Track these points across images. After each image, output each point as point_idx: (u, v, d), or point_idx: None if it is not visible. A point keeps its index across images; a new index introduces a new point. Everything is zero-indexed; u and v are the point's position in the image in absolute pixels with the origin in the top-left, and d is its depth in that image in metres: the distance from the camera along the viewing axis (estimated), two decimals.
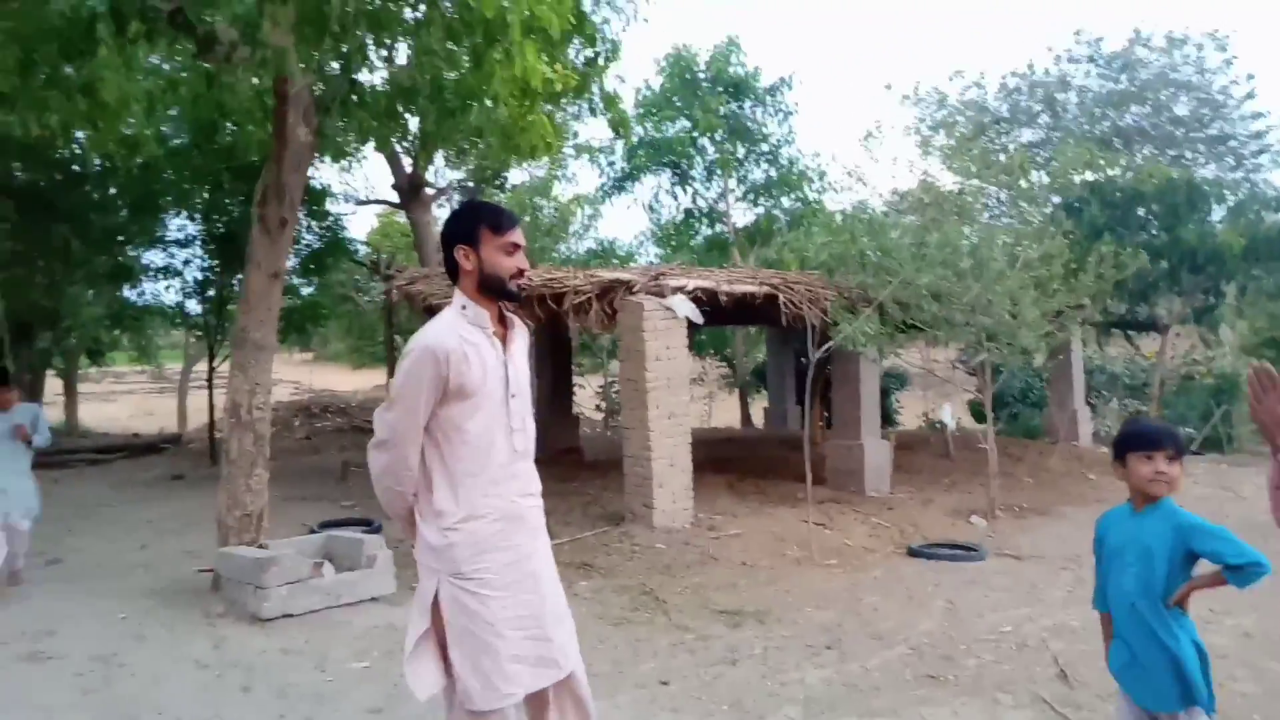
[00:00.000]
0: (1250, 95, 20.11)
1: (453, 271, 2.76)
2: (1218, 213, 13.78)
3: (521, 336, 2.85)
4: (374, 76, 7.97)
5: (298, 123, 6.02)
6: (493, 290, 2.71)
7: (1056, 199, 14.18)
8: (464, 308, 2.71)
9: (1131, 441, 2.86)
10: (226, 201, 13.11)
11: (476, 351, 2.66)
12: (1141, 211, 13.08)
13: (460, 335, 2.65)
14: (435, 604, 2.66)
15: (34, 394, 17.83)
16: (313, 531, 7.65)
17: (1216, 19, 33.99)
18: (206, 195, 13.27)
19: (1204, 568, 2.75)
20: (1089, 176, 13.90)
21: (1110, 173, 13.92)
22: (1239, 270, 12.78)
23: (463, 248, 2.70)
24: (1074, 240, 10.66)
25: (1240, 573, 2.63)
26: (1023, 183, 13.06)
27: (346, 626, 5.72)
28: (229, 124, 10.81)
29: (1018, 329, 9.12)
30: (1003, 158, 14.76)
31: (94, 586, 6.76)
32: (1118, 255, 9.72)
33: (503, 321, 2.79)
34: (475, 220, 2.73)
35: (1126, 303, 13.64)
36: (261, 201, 6.32)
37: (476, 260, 2.69)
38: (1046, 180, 15.96)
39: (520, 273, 2.73)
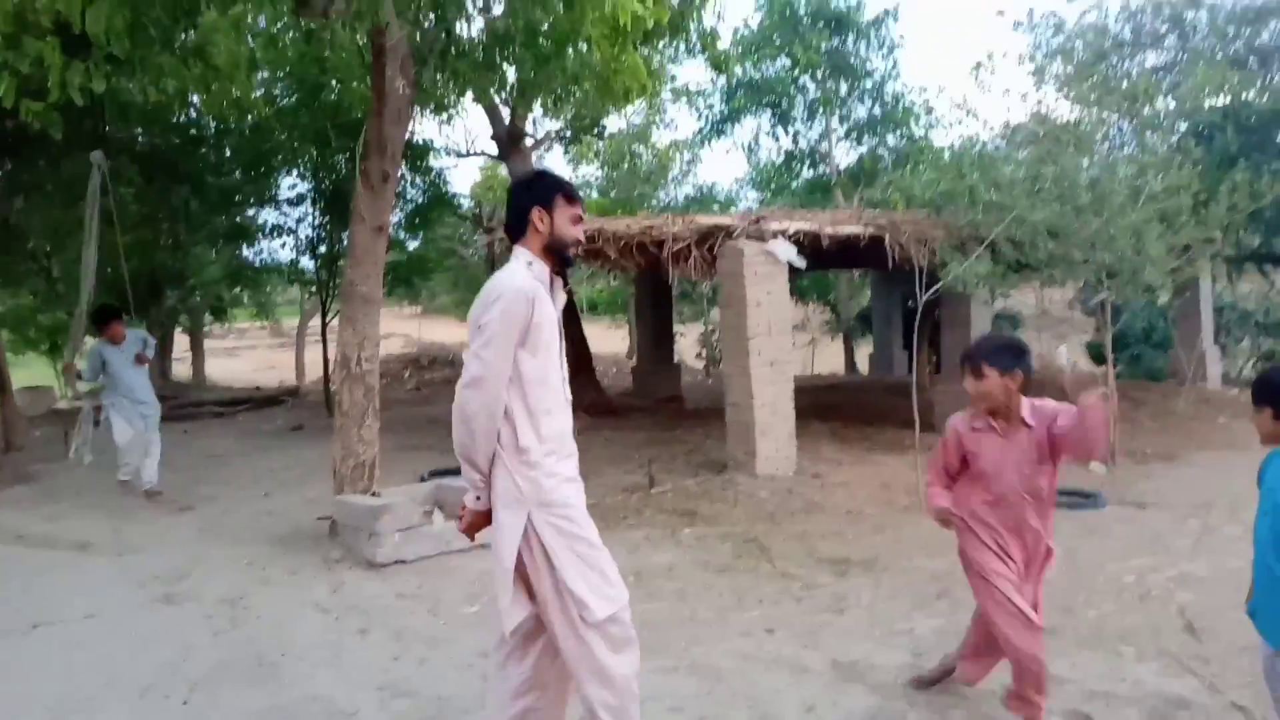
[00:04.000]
0: None
1: (515, 229, 2.98)
2: None
3: (561, 298, 3.04)
4: (470, 27, 8.01)
5: (396, 75, 6.06)
6: (556, 253, 2.96)
7: (1184, 126, 13.30)
8: (530, 264, 2.93)
9: (1256, 394, 2.79)
10: (334, 159, 13.41)
11: (546, 301, 2.89)
12: None
13: (533, 294, 2.84)
14: (524, 542, 2.85)
15: (164, 350, 18.84)
16: (423, 480, 7.86)
17: None
18: (314, 153, 13.60)
19: None
20: (1221, 100, 12.97)
21: (1245, 95, 12.94)
22: None
23: (540, 209, 2.93)
24: (1204, 169, 9.99)
25: None
26: (1147, 110, 12.30)
27: (457, 572, 5.88)
28: (332, 81, 11.04)
29: (1141, 265, 8.64)
30: (1125, 84, 13.91)
31: (222, 533, 7.12)
32: (1253, 184, 9.08)
33: (554, 278, 3.01)
34: (555, 187, 2.99)
35: (1262, 235, 12.75)
36: (364, 156, 6.41)
37: (550, 224, 2.94)
38: (1174, 106, 14.99)
39: (579, 243, 3.03)
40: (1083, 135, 9.92)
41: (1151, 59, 20.57)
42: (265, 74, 11.70)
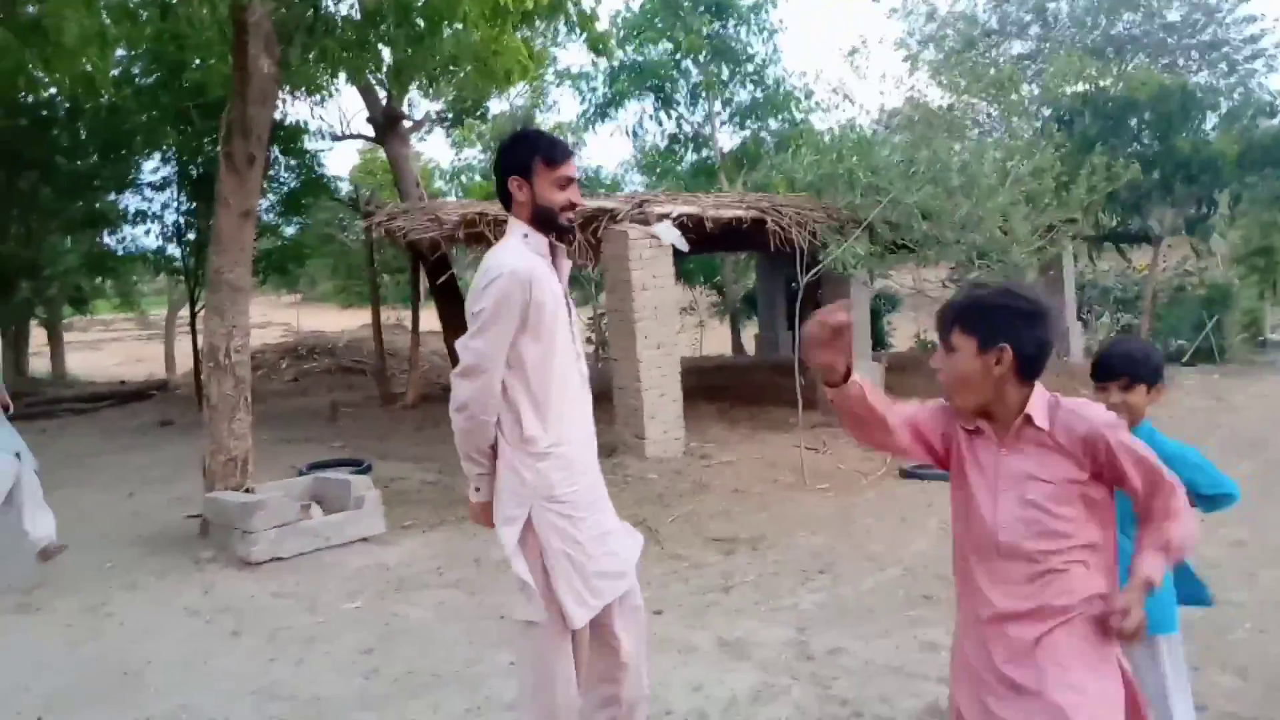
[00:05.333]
0: None
1: (504, 201, 2.78)
2: (1211, 120, 13.55)
3: (567, 267, 2.86)
4: (341, 5, 7.73)
5: (260, 54, 5.77)
6: (543, 223, 2.72)
7: (1047, 111, 13.91)
8: (526, 236, 2.72)
9: (1092, 371, 2.80)
10: (198, 142, 12.78)
11: (546, 276, 2.69)
12: (1134, 121, 12.84)
13: (532, 272, 2.65)
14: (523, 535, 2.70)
15: (18, 344, 17.69)
16: (301, 474, 7.59)
17: None
18: (178, 136, 12.93)
19: None
20: (1081, 87, 13.62)
21: (1102, 83, 13.63)
22: (1233, 179, 12.60)
23: (516, 178, 2.71)
24: (1066, 153, 10.46)
25: (1210, 502, 2.65)
26: (1013, 96, 12.81)
27: (337, 568, 5.69)
28: (195, 60, 10.49)
29: (1009, 245, 8.99)
30: (993, 71, 14.44)
31: (82, 537, 6.69)
32: (1110, 167, 9.55)
33: (554, 249, 2.80)
34: (530, 151, 2.72)
35: (1119, 215, 13.45)
36: (227, 138, 6.11)
37: (530, 193, 2.70)
38: (1037, 92, 15.66)
39: (571, 206, 2.75)
40: (954, 120, 10.26)
41: (1017, 47, 21.49)
42: (122, 51, 11.05)
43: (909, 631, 4.31)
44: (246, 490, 6.20)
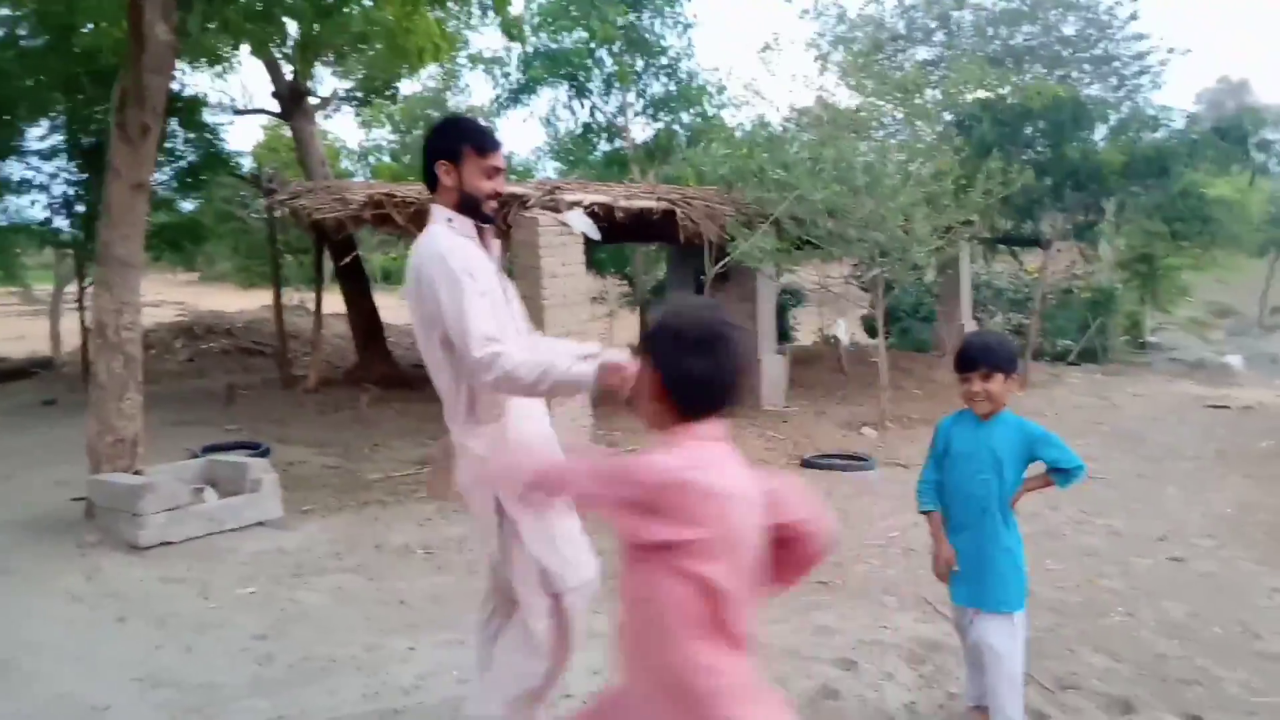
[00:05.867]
0: (1134, 16, 20.55)
1: (430, 184, 2.76)
2: (1100, 132, 14.16)
3: (497, 247, 2.84)
4: None
5: (155, 19, 5.55)
6: (467, 210, 2.72)
7: (949, 116, 14.34)
8: (450, 220, 2.71)
9: (955, 364, 3.03)
10: (90, 110, 12.18)
11: (479, 257, 2.68)
12: (1029, 129, 13.35)
13: (461, 244, 2.65)
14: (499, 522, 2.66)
15: None
16: (195, 456, 7.35)
17: None
18: (68, 103, 12.30)
19: (1029, 472, 3.00)
20: (980, 95, 14.08)
21: (1000, 91, 14.11)
22: (1118, 187, 13.22)
23: (444, 163, 2.70)
24: (964, 157, 10.83)
25: (1067, 475, 2.93)
26: (917, 100, 13.16)
27: (231, 553, 5.54)
28: (87, 24, 10.00)
29: (909, 244, 9.27)
30: (898, 75, 14.79)
31: None
32: (1005, 172, 9.92)
33: (480, 234, 2.77)
34: (460, 138, 2.73)
35: (1012, 219, 14.00)
36: (120, 107, 5.86)
37: (457, 178, 2.70)
38: (940, 98, 16.14)
39: (496, 195, 2.75)
40: (860, 121, 10.50)
41: (922, 53, 22.07)
42: (5, 10, 10.48)
43: (804, 616, 4.42)
44: (135, 473, 5.97)
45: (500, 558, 2.71)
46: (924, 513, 3.18)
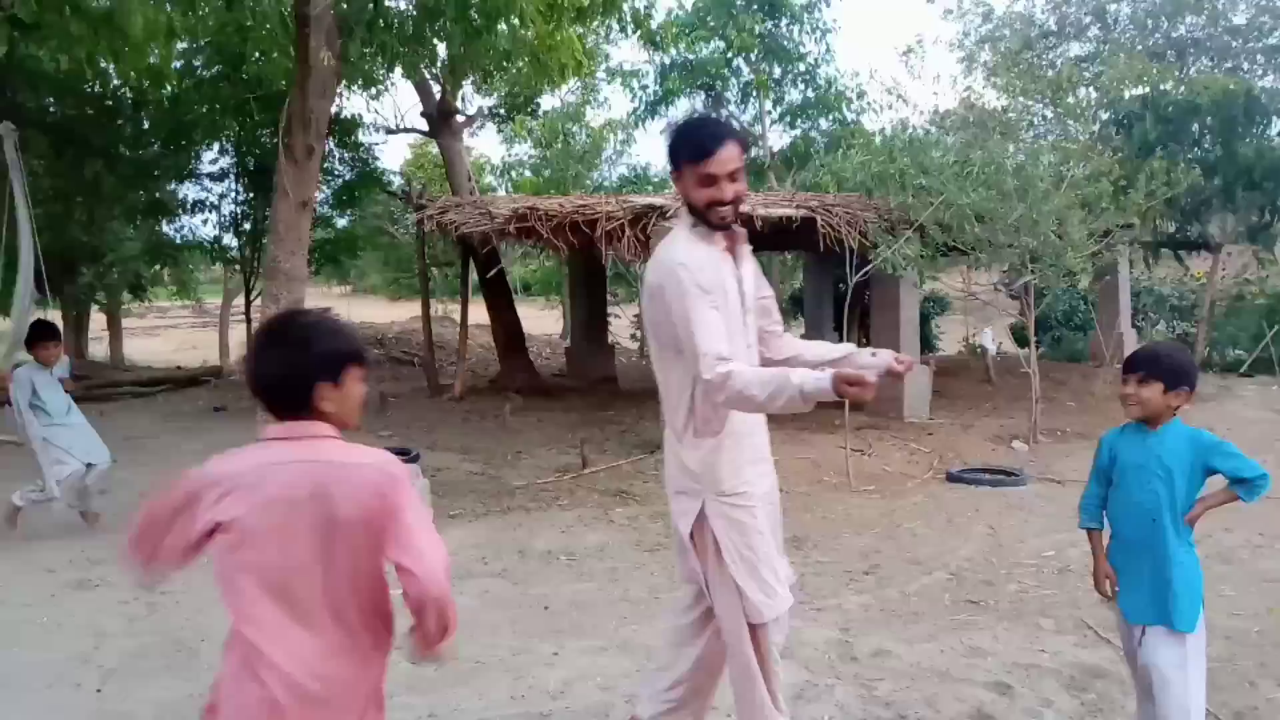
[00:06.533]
0: None
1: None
2: (1277, 126, 13.20)
3: (748, 252, 2.81)
4: (401, 1, 7.84)
5: (320, 46, 5.88)
6: (699, 217, 2.69)
7: (1105, 115, 13.66)
8: (694, 225, 2.70)
9: (1123, 366, 2.99)
10: (258, 133, 13.03)
11: (715, 267, 2.64)
12: (1195, 126, 12.55)
13: (699, 254, 2.63)
14: (695, 532, 2.69)
15: (79, 329, 18.16)
16: None
17: None
18: (237, 127, 13.19)
19: (1210, 487, 2.84)
20: (1140, 91, 13.36)
21: (1163, 86, 13.35)
22: None
23: (674, 174, 2.71)
24: (1124, 157, 10.28)
25: (1250, 486, 2.78)
26: (1070, 99, 12.60)
27: None
28: (256, 53, 10.70)
29: (1063, 250, 8.85)
30: (1050, 73, 14.22)
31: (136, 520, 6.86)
32: (1169, 172, 9.36)
33: (729, 236, 2.73)
34: (676, 150, 2.69)
35: (1177, 221, 13.18)
36: (287, 129, 6.24)
37: (684, 189, 2.70)
38: (1095, 95, 15.37)
39: (719, 202, 2.63)
40: (1009, 122, 10.12)
41: (1075, 49, 21.07)
42: (184, 44, 11.31)
43: (954, 635, 4.27)
44: None
45: (701, 574, 2.72)
46: (1085, 529, 3.04)
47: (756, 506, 2.70)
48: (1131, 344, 13.42)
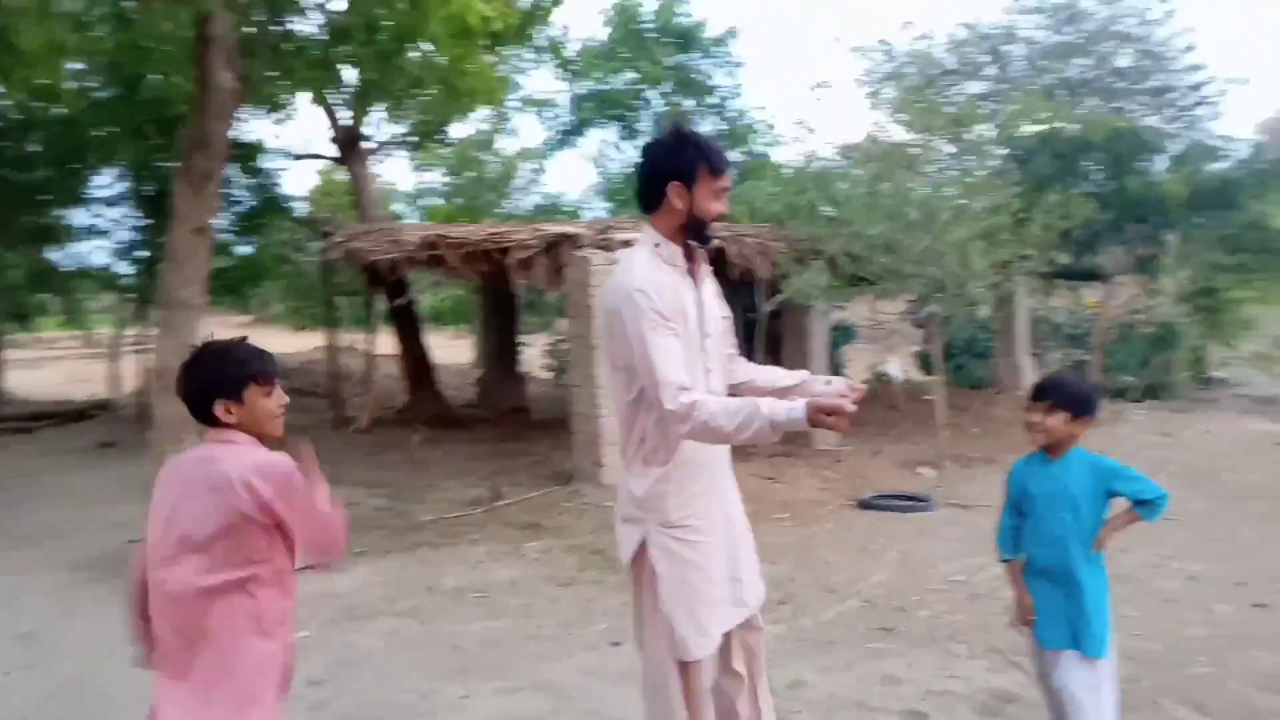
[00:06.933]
0: (1189, 48, 20.17)
1: (648, 203, 2.60)
2: (1160, 163, 13.88)
3: (709, 274, 2.73)
4: (307, 24, 7.65)
5: (221, 67, 5.67)
6: (693, 233, 2.59)
7: (1003, 150, 14.16)
8: (657, 245, 2.59)
9: (1030, 394, 3.03)
10: (155, 157, 12.53)
11: (675, 290, 2.54)
12: (1088, 162, 13.12)
13: (658, 279, 2.52)
14: (635, 561, 2.64)
15: None
16: None
17: None
18: (133, 150, 12.67)
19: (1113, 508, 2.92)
20: (1036, 128, 13.90)
21: (1056, 124, 13.92)
22: (1181, 220, 12.91)
23: (679, 185, 2.53)
24: (1022, 191, 10.65)
25: (1151, 507, 2.83)
26: (969, 135, 13.02)
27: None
28: (154, 74, 10.33)
29: (966, 280, 9.10)
30: (951, 110, 14.66)
31: (16, 562, 6.46)
32: (1064, 206, 9.72)
33: (690, 258, 2.63)
34: (697, 158, 2.55)
35: (1071, 253, 13.72)
36: (185, 153, 6.00)
37: (689, 201, 2.54)
38: (993, 133, 15.95)
39: (721, 217, 2.61)
40: (913, 157, 10.38)
41: (974, 87, 21.88)
42: (81, 64, 10.85)
43: (869, 664, 4.27)
44: None
45: (634, 604, 2.67)
46: (1004, 561, 3.08)
47: (703, 541, 2.62)
48: (1029, 371, 13.86)
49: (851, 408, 2.38)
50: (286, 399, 2.40)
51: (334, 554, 2.35)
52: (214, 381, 2.30)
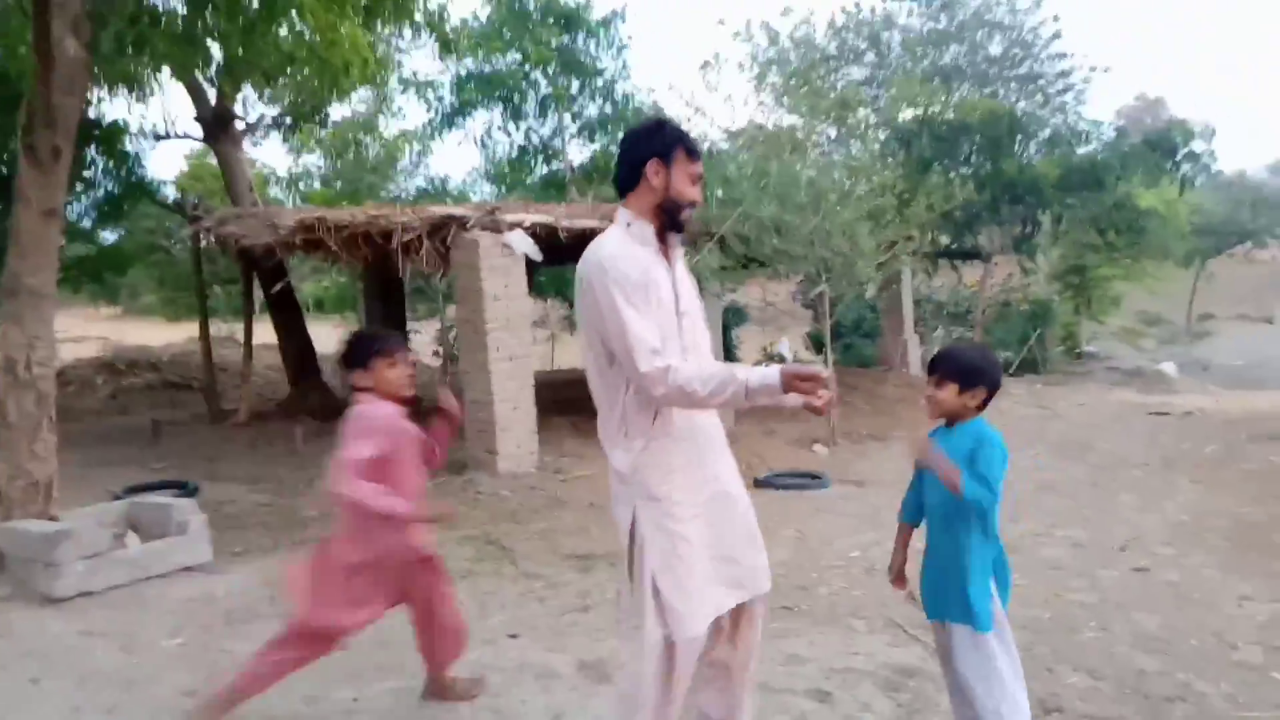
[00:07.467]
0: (1057, 35, 21.05)
1: (625, 183, 2.67)
2: (1033, 147, 14.39)
3: (681, 255, 2.78)
4: None
5: (64, 34, 5.21)
6: (668, 214, 2.64)
7: (884, 134, 14.46)
8: (629, 225, 2.64)
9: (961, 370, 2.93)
10: (7, 139, 11.61)
11: (646, 266, 2.58)
12: (966, 145, 13.50)
13: (629, 252, 2.57)
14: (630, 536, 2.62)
15: None
16: (117, 498, 6.93)
17: None
18: None
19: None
20: (916, 112, 14.23)
21: (934, 108, 14.28)
22: (1054, 201, 13.42)
23: (657, 162, 2.61)
24: (905, 173, 10.87)
25: (971, 491, 2.70)
26: (851, 119, 13.23)
27: (157, 601, 5.16)
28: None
29: (854, 260, 9.23)
30: (833, 95, 14.88)
31: None
32: (946, 187, 9.97)
33: (662, 239, 2.68)
34: (676, 138, 2.65)
35: (952, 233, 14.12)
36: (28, 128, 5.49)
37: (666, 180, 2.62)
38: (874, 119, 16.29)
39: (694, 204, 2.70)
40: (798, 141, 10.47)
41: (855, 73, 22.33)
42: None
43: (772, 644, 4.21)
44: (50, 518, 5.56)
45: (626, 580, 2.62)
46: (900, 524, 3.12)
47: (687, 516, 2.60)
48: (915, 349, 14.24)
49: (826, 372, 2.46)
50: (413, 368, 3.24)
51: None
52: (348, 357, 3.31)
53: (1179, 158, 13.01)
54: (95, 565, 5.22)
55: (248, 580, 5.54)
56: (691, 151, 2.66)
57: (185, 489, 7.64)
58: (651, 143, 2.65)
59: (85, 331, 27.07)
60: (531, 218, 8.62)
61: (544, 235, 8.74)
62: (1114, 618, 4.47)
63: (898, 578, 3.10)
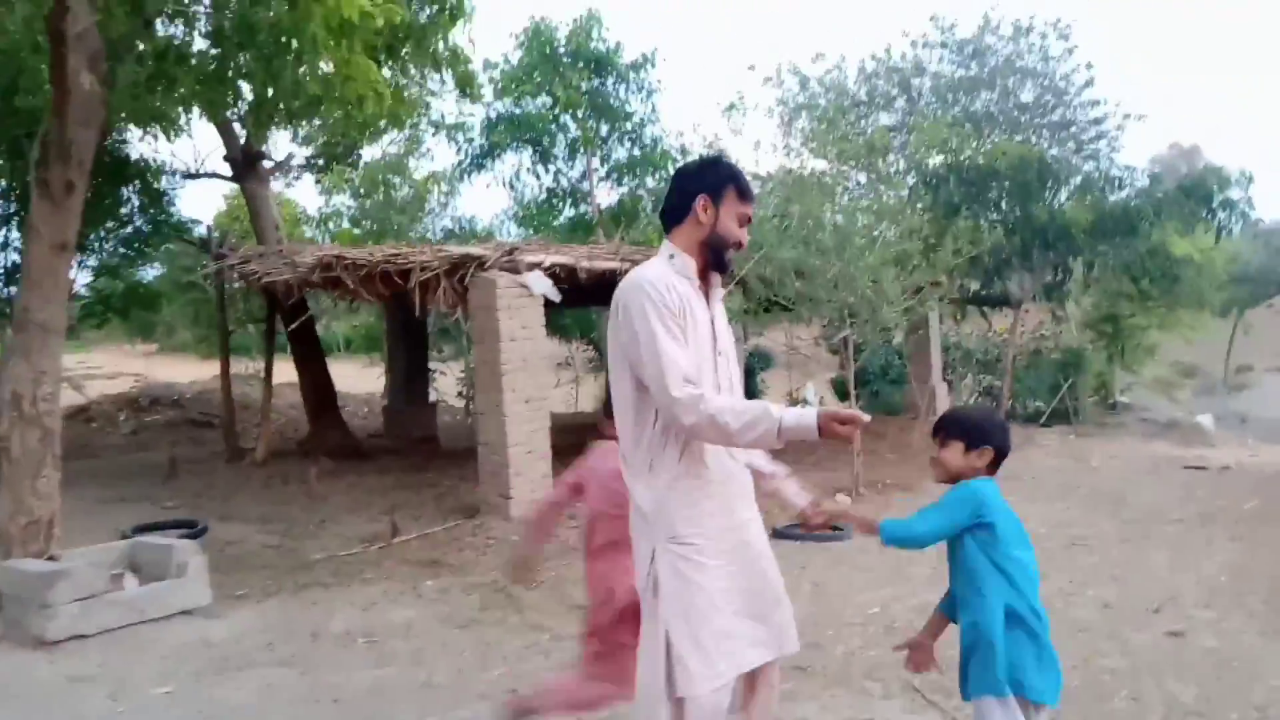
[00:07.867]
0: (1089, 83, 20.89)
1: (673, 216, 2.63)
2: (1064, 193, 14.16)
3: (720, 295, 2.72)
4: (193, 34, 7.19)
5: (80, 68, 5.21)
6: (713, 251, 2.60)
7: (912, 179, 14.31)
8: (672, 257, 2.60)
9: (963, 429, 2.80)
10: (15, 166, 11.74)
11: (686, 302, 2.52)
12: (995, 190, 13.31)
13: (670, 283, 2.50)
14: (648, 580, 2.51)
15: None
16: (125, 536, 6.83)
17: (1059, 8, 35.65)
18: (10, 170, 11.88)
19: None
20: (943, 157, 14.07)
21: (963, 154, 14.12)
22: (1086, 247, 13.17)
23: (706, 198, 2.58)
24: (932, 218, 10.69)
25: (888, 531, 2.61)
26: (880, 163, 13.11)
27: (152, 645, 5.04)
28: (27, 84, 9.66)
29: (879, 305, 9.04)
30: (862, 139, 14.79)
31: None
32: (974, 232, 9.78)
33: (704, 277, 2.63)
34: (728, 177, 2.63)
35: (981, 279, 13.88)
36: (42, 162, 5.50)
37: (714, 217, 2.58)
38: (902, 164, 16.15)
39: (740, 245, 2.65)
40: (825, 184, 10.34)
41: (884, 119, 22.28)
42: None
43: (782, 706, 3.98)
44: (49, 558, 5.47)
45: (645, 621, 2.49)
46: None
47: (711, 564, 2.48)
48: (943, 396, 13.95)
49: (866, 418, 2.37)
50: None
51: None
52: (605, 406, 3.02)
53: (1215, 204, 12.72)
54: (89, 607, 5.11)
55: (246, 625, 5.41)
56: (743, 192, 2.62)
57: (195, 528, 7.53)
58: (703, 178, 2.62)
59: (120, 368, 27.38)
60: (551, 258, 8.54)
61: (564, 276, 8.65)
62: (1147, 686, 4.20)
63: (909, 649, 2.93)
